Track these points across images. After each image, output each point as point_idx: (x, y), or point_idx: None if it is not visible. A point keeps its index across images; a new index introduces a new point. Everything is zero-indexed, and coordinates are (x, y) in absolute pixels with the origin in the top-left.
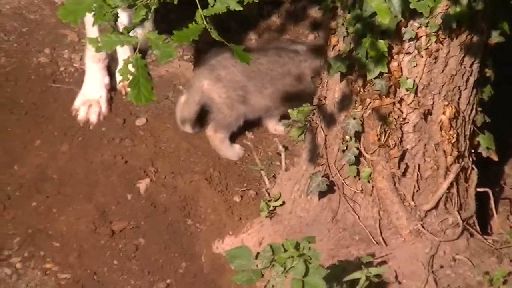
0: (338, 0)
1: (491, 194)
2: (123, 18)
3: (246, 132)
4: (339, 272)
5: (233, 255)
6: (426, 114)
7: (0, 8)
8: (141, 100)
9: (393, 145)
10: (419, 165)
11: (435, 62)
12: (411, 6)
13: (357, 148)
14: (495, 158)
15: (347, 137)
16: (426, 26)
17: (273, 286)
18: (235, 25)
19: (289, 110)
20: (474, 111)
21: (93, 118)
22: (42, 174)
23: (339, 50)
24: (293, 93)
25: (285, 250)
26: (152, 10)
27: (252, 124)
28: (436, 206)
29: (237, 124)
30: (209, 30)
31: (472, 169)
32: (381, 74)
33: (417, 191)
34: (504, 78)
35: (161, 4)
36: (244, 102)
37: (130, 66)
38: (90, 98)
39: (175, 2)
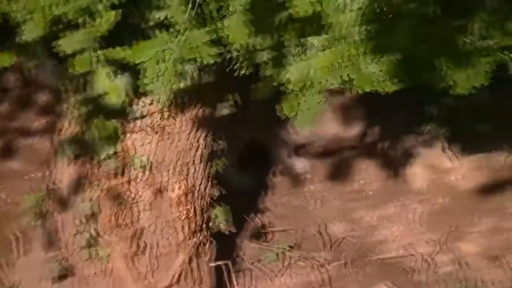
0: (68, 82)
1: (230, 266)
2: None
3: None
4: None
5: None
6: (161, 191)
7: None
8: None
9: (130, 224)
10: (156, 242)
11: (168, 138)
12: (146, 88)
13: (94, 230)
14: (233, 230)
15: (82, 220)
16: (157, 103)
17: None
18: None
19: (24, 196)
20: (209, 184)
21: None
22: None
23: (71, 133)
24: None
25: None
26: None
27: None
28: (177, 282)
29: None
30: None
31: (210, 242)
32: (114, 153)
33: (156, 268)
34: None
35: None
36: None
37: None
38: None
39: None
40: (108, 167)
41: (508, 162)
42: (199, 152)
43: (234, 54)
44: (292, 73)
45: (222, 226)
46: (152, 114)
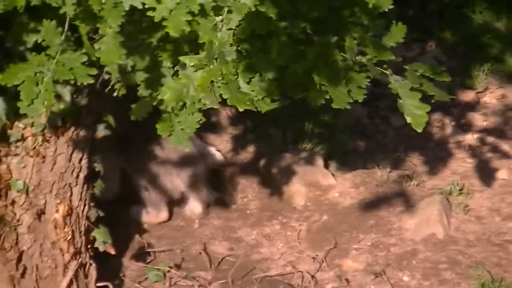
0: None
1: (111, 287)
2: None
3: None
4: None
5: None
6: (40, 214)
7: None
8: None
9: (9, 248)
10: (37, 265)
11: (43, 161)
12: (21, 112)
13: None
14: (113, 252)
15: None
16: (32, 126)
17: None
18: None
19: None
20: (87, 206)
21: None
22: None
23: None
24: None
25: None
26: None
27: None
28: None
29: None
30: None
31: (91, 264)
32: None
33: None
34: None
35: None
36: None
37: None
38: None
39: None
40: None
41: (388, 177)
42: (76, 175)
43: (106, 76)
44: (167, 93)
45: (101, 248)
46: (26, 138)
